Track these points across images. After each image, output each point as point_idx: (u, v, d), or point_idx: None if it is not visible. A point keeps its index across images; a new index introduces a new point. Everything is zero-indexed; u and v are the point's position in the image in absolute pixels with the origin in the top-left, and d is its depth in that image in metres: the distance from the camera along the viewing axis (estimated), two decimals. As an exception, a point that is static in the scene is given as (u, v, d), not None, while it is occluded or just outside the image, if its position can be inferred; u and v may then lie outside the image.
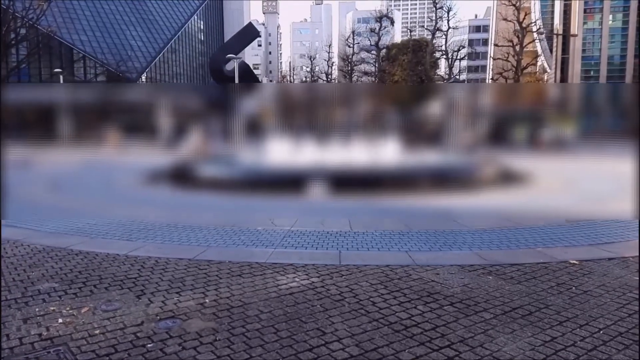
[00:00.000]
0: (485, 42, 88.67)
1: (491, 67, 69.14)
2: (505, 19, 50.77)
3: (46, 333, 3.55)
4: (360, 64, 64.02)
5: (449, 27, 57.19)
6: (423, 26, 74.33)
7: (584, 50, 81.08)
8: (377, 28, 59.95)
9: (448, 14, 57.12)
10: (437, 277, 4.78)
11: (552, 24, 78.82)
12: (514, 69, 46.79)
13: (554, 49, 74.00)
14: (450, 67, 55.81)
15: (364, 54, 63.63)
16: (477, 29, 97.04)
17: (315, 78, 69.41)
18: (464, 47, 61.94)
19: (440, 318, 3.82)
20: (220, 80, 31.31)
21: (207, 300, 4.19)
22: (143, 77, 55.16)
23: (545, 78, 69.82)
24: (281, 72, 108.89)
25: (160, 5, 65.81)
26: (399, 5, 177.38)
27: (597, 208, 8.34)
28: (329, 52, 71.34)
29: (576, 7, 76.53)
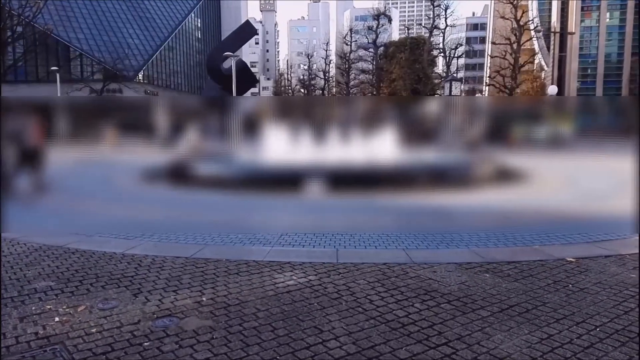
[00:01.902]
0: (482, 40, 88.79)
1: (488, 65, 69.26)
2: (502, 17, 50.74)
3: (42, 332, 3.54)
4: (358, 61, 63.98)
5: (447, 25, 57.12)
6: (421, 24, 74.45)
7: (581, 48, 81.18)
8: (375, 26, 59.92)
9: (446, 11, 57.05)
10: (434, 275, 4.78)
11: (550, 22, 78.95)
12: (511, 67, 46.81)
13: (552, 47, 74.02)
14: (448, 65, 55.80)
15: (361, 52, 63.57)
16: (475, 27, 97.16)
17: (313, 76, 69.36)
18: (461, 45, 61.97)
19: (437, 316, 3.83)
20: (217, 79, 31.24)
21: (204, 299, 4.18)
22: (140, 75, 55.03)
23: (543, 76, 69.96)
24: (278, 70, 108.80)
25: (157, 3, 65.65)
26: (397, 3, 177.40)
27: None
28: (326, 50, 71.24)
29: (573, 5, 76.62)
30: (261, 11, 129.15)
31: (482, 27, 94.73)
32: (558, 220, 7.12)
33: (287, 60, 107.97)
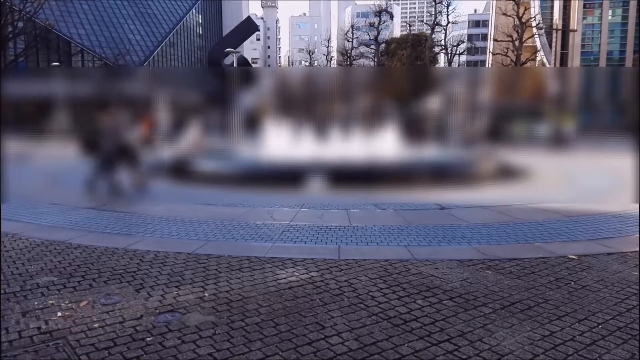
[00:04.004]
0: (484, 37, 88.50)
1: (490, 62, 69.11)
2: (504, 14, 50.62)
3: (45, 327, 3.54)
4: (359, 58, 63.93)
5: (449, 22, 57.03)
6: (422, 21, 74.33)
7: (583, 46, 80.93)
8: (377, 22, 59.81)
9: (447, 8, 57.01)
10: (436, 272, 4.79)
11: (552, 19, 78.63)
12: (513, 64, 46.74)
13: (553, 44, 73.88)
14: (450, 62, 55.72)
15: (363, 49, 63.54)
16: (477, 23, 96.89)
17: (314, 72, 69.28)
18: (463, 42, 61.93)
19: (439, 312, 3.83)
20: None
21: (206, 294, 4.19)
22: (141, 71, 54.97)
23: (544, 73, 69.64)
24: (280, 66, 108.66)
25: (158, -1, 65.51)
26: (398, 0, 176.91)
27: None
28: (327, 47, 71.20)
29: (576, 2, 76.39)
30: (262, 7, 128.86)
31: (484, 24, 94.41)
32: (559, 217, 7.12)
33: (289, 57, 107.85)
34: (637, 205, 7.42)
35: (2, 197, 5.19)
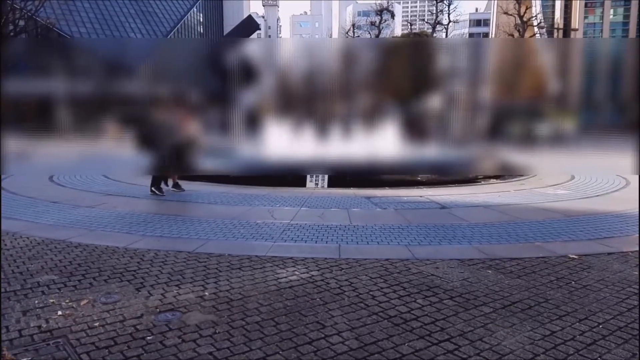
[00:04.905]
0: (485, 36, 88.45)
1: (491, 61, 68.75)
2: (506, 13, 50.61)
3: (45, 325, 3.55)
4: (360, 57, 63.88)
5: (450, 21, 57.05)
6: (424, 19, 74.23)
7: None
8: (378, 21, 59.83)
9: (449, 7, 57.07)
10: (437, 271, 4.78)
11: (553, 18, 78.55)
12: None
13: (555, 43, 73.62)
14: (451, 60, 55.59)
15: (363, 48, 63.47)
16: (478, 22, 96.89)
17: (315, 71, 69.34)
18: (464, 41, 61.86)
19: (439, 312, 3.83)
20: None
21: (206, 293, 4.19)
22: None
23: (546, 72, 69.47)
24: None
25: (159, -3, 65.46)
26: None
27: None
28: (328, 45, 71.09)
29: (577, 2, 76.24)
30: (263, 6, 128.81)
31: (485, 23, 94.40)
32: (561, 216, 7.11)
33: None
34: (637, 204, 7.39)
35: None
